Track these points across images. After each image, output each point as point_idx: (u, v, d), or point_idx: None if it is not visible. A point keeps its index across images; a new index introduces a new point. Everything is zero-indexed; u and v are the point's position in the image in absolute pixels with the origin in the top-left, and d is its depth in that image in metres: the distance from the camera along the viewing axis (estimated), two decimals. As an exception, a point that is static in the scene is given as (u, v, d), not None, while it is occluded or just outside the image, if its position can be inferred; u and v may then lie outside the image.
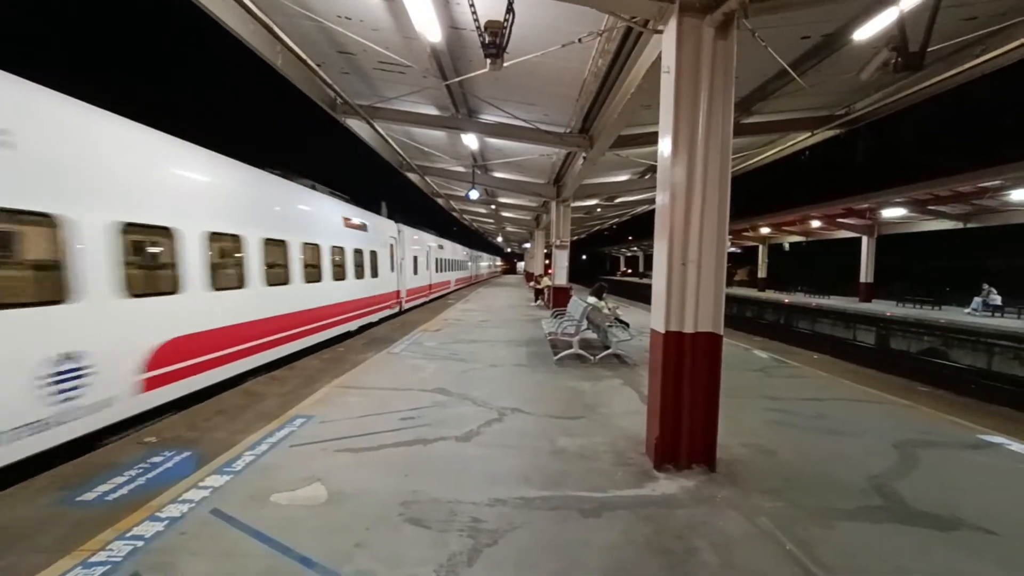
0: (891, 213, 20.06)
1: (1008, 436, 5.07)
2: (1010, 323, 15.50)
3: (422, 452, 4.39)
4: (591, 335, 9.83)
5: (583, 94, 8.02)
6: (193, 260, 6.31)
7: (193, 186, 6.61)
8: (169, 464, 4.06)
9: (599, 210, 22.57)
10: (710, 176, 3.94)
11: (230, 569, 2.67)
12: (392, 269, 15.74)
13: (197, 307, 6.43)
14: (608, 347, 8.59)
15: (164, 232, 5.89)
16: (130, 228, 5.29)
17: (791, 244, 32.31)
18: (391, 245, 15.70)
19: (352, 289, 12.05)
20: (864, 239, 23.29)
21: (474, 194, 13.55)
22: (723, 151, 3.95)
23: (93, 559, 2.74)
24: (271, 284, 8.21)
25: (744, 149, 11.55)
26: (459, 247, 34.17)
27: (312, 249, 9.85)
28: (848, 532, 3.15)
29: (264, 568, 2.68)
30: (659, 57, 4.48)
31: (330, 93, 9.03)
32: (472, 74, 6.77)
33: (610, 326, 9.13)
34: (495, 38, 4.68)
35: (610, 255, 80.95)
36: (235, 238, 7.34)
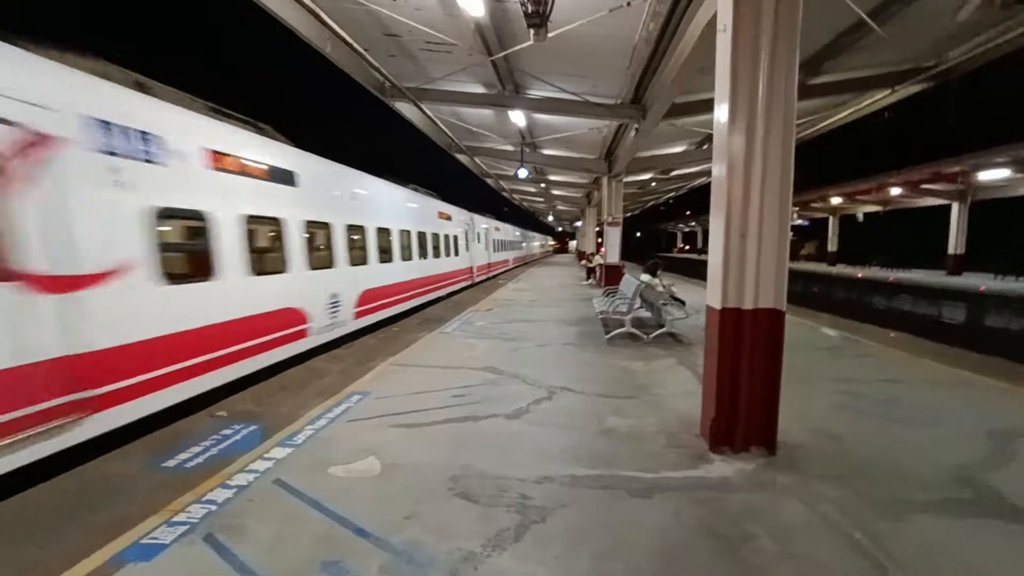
0: (990, 176, 17.95)
1: None
2: None
3: (472, 428, 4.47)
4: (644, 314, 9.56)
5: (634, 61, 7.64)
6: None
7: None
8: (238, 436, 4.37)
9: (654, 184, 21.78)
10: (772, 143, 3.64)
11: (292, 533, 2.84)
12: (523, 246, 40.12)
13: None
14: (662, 326, 8.34)
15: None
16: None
17: (865, 215, 29.83)
18: (529, 239, 43.57)
19: (526, 252, 43.11)
20: (955, 206, 21.08)
21: (523, 172, 13.43)
22: (786, 116, 3.63)
23: (175, 519, 3.00)
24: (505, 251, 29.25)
25: (812, 112, 10.65)
26: (525, 231, 46.31)
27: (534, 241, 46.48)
28: (926, 526, 2.89)
29: (322, 534, 2.83)
30: (715, 16, 4.15)
31: (378, 77, 9.14)
32: (517, 47, 6.61)
33: (664, 304, 8.85)
34: (538, 7, 4.51)
35: (666, 231, 78.29)
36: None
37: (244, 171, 6.02)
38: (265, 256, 6.56)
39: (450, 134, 12.60)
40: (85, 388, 3.86)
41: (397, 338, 9.14)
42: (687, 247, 71.03)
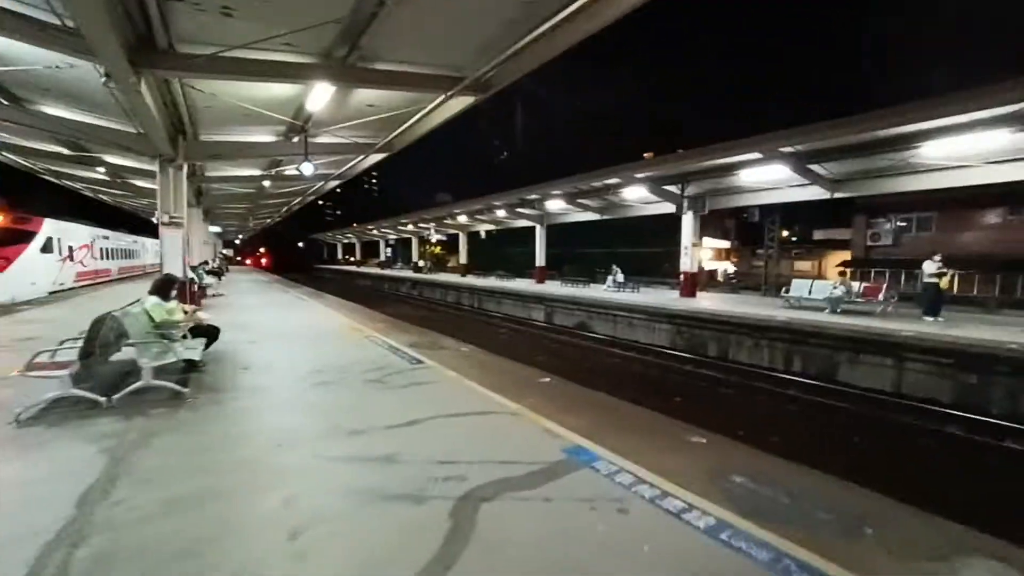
0: (553, 205, 22.49)
1: (591, 440, 4.31)
2: (626, 296, 18.89)
3: None
4: (167, 359, 6.13)
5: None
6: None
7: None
8: None
9: (268, 184, 18.45)
10: None
11: None
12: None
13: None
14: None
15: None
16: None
17: (487, 232, 34.53)
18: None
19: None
20: (537, 227, 25.97)
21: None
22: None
23: None
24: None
25: (396, 107, 9.63)
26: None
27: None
28: None
29: None
30: None
31: None
32: None
33: (168, 339, 6.01)
34: None
35: (326, 242, 74.85)
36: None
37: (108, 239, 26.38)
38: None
39: None
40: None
41: None
42: (350, 258, 69.55)
